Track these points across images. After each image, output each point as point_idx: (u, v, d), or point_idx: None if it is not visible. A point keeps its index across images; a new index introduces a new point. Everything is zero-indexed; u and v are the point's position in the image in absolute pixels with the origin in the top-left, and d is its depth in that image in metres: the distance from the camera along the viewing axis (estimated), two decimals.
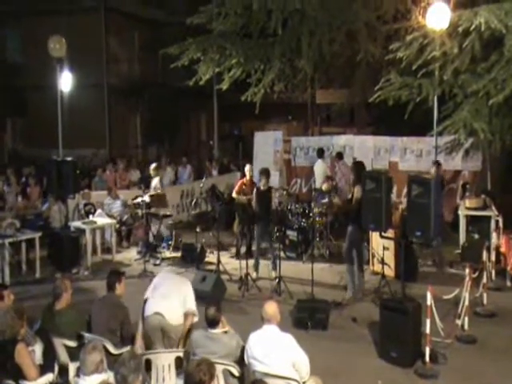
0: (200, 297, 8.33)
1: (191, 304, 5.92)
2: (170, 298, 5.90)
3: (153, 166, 12.19)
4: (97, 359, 4.14)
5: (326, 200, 10.71)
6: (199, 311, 5.74)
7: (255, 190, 9.75)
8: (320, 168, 13.10)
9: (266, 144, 14.53)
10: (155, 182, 11.79)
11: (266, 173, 9.68)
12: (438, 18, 8.06)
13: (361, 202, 7.51)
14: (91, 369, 4.11)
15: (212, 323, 4.90)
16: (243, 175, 11.21)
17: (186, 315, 5.84)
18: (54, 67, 11.16)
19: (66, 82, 11.72)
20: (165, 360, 5.01)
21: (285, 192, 12.13)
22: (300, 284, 8.94)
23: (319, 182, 12.21)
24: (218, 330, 4.91)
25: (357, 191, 8.22)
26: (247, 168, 11.04)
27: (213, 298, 7.42)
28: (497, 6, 8.41)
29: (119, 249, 11.59)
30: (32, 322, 5.59)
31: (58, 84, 11.11)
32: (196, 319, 5.88)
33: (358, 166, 8.96)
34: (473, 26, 8.16)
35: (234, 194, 10.90)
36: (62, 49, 10.83)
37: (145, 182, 12.49)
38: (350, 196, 8.64)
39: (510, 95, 8.16)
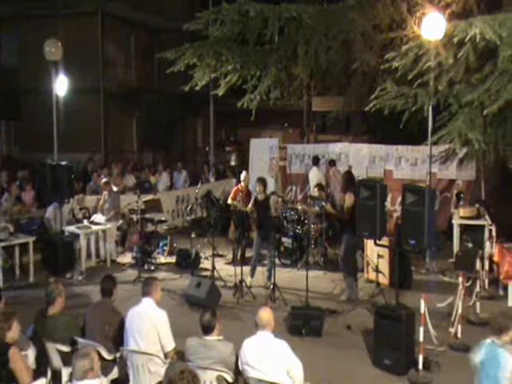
0: (194, 303, 8.43)
1: (168, 344, 5.36)
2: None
3: (104, 180, 11.82)
4: (88, 365, 4.08)
5: (317, 208, 10.72)
6: (194, 317, 5.70)
7: (253, 199, 9.74)
8: (315, 175, 13.15)
9: (262, 151, 14.56)
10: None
11: (262, 182, 9.61)
12: (433, 28, 8.09)
13: (352, 210, 7.52)
14: (82, 374, 4.07)
15: (207, 330, 4.89)
16: (239, 182, 11.28)
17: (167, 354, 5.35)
18: (49, 71, 11.13)
19: (61, 85, 11.66)
20: (140, 360, 5.05)
21: (280, 199, 12.15)
22: (295, 291, 8.95)
23: (314, 189, 12.21)
24: (212, 337, 4.90)
25: (347, 200, 8.26)
26: (243, 176, 11.13)
27: (208, 305, 7.43)
28: (491, 17, 8.46)
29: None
30: (25, 326, 5.58)
31: (53, 88, 11.07)
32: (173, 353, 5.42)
33: (348, 175, 9.08)
34: (468, 37, 8.19)
35: (229, 201, 10.99)
36: (57, 52, 10.79)
37: (140, 187, 12.45)
38: (342, 202, 8.68)
39: (504, 106, 8.21)
